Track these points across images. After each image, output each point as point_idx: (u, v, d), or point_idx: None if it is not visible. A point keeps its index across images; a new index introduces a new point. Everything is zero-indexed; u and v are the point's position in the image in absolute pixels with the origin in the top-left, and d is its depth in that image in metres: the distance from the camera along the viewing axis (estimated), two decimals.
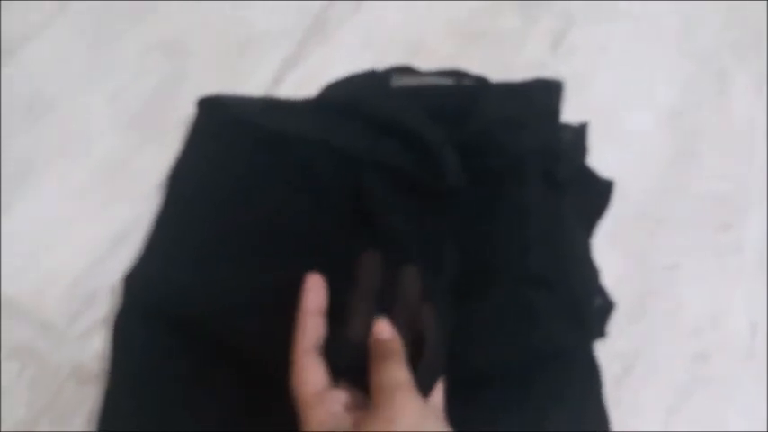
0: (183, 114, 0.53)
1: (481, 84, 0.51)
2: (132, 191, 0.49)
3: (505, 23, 0.56)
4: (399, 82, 0.52)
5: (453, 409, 0.35)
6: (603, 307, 0.42)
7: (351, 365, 0.34)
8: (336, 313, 0.37)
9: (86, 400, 0.42)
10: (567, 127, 0.49)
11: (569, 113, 0.50)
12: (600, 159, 0.49)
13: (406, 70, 0.52)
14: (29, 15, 0.60)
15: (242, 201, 0.47)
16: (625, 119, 0.52)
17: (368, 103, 0.50)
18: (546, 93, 0.49)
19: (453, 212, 0.44)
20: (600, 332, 0.42)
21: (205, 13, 0.59)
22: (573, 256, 0.44)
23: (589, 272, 0.44)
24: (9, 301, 0.46)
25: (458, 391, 0.36)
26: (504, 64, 0.54)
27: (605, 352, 0.41)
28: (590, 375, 0.41)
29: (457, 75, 0.51)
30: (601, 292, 0.43)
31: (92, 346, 0.44)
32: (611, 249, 0.45)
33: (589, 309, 0.42)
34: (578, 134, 0.48)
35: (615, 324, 0.42)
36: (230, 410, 0.40)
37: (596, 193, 0.46)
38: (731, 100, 0.53)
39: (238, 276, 0.43)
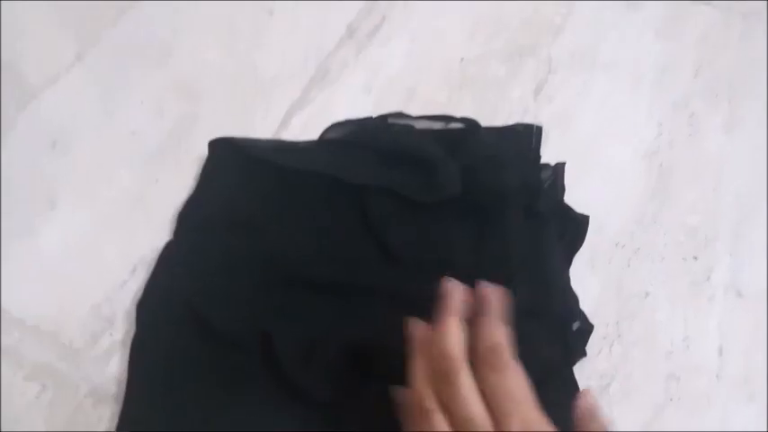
0: (196, 153, 0.57)
1: (468, 125, 0.56)
2: (149, 222, 0.53)
3: (493, 72, 0.61)
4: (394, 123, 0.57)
5: None
6: (583, 329, 0.46)
7: None
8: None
9: (103, 419, 0.45)
10: (546, 166, 0.53)
11: (551, 152, 0.55)
12: (579, 194, 0.53)
13: (400, 115, 0.57)
14: (50, 60, 0.65)
15: (252, 231, 0.51)
16: (603, 157, 0.56)
17: (367, 137, 0.55)
18: (527, 135, 0.55)
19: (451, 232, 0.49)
20: (581, 353, 0.46)
21: (218, 59, 0.65)
22: (555, 285, 0.48)
23: (569, 298, 0.48)
24: (31, 324, 0.49)
25: None
26: (491, 108, 0.59)
27: (584, 371, 0.45)
28: (573, 392, 0.44)
29: (446, 119, 0.57)
30: (580, 315, 0.47)
31: (110, 368, 0.47)
32: (590, 276, 0.49)
33: (572, 333, 0.46)
34: (556, 173, 0.53)
35: (593, 345, 0.46)
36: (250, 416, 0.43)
37: (573, 228, 0.50)
38: (702, 140, 0.57)
39: (250, 301, 0.47)
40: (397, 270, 0.48)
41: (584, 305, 0.48)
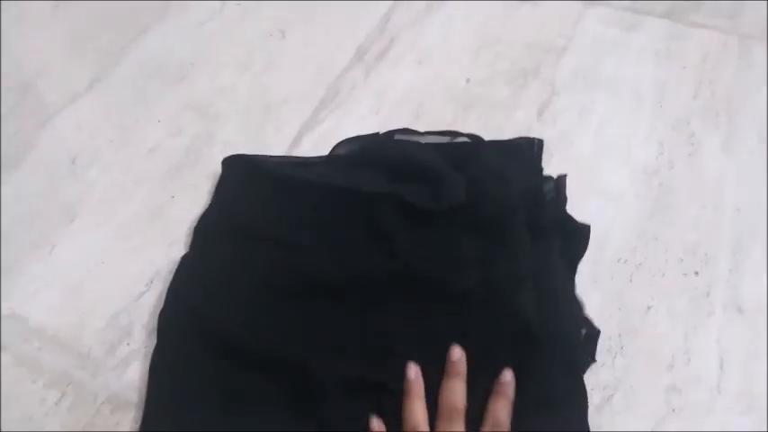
0: (211, 170, 0.59)
1: (474, 140, 0.58)
2: (165, 237, 0.55)
3: (497, 93, 0.63)
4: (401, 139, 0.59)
5: None
6: (590, 335, 0.48)
7: None
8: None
9: (120, 425, 0.46)
10: (549, 178, 0.56)
11: (554, 171, 0.56)
12: (583, 211, 0.54)
13: (406, 131, 0.59)
14: (69, 80, 0.68)
15: (264, 242, 0.52)
16: (605, 175, 0.58)
17: (374, 152, 0.58)
18: (529, 149, 0.57)
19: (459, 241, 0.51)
20: (591, 360, 0.47)
21: (232, 80, 0.67)
22: (562, 296, 0.49)
23: (575, 307, 0.49)
24: (51, 333, 0.51)
25: None
26: (496, 128, 0.61)
27: (587, 383, 0.46)
28: (581, 401, 0.45)
29: (452, 134, 0.59)
30: (586, 322, 0.49)
31: (126, 376, 0.48)
32: (593, 291, 0.50)
33: (579, 345, 0.47)
34: (558, 184, 0.55)
35: (597, 357, 0.47)
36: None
37: (576, 237, 0.52)
38: (701, 159, 0.59)
39: (265, 306, 0.49)
40: (405, 277, 0.49)
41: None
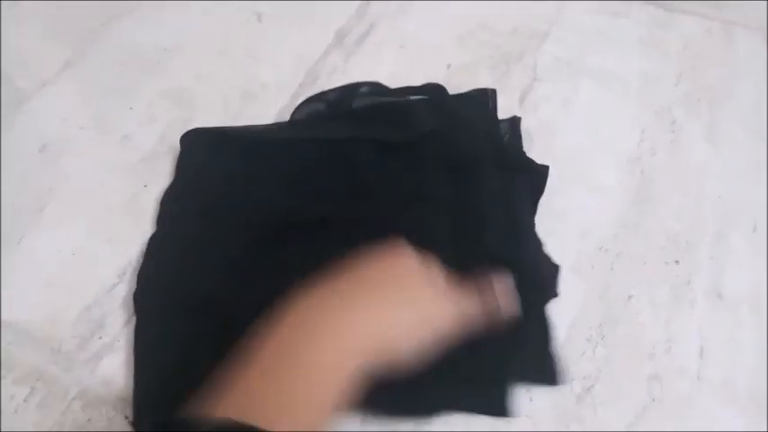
0: None
1: (433, 89, 0.59)
2: (137, 227, 0.54)
3: (479, 79, 0.62)
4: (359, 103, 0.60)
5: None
6: (551, 271, 0.49)
7: None
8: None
9: (92, 422, 0.45)
10: (503, 121, 0.58)
11: (536, 158, 0.55)
12: (564, 200, 0.54)
13: (362, 85, 0.60)
14: (40, 66, 0.66)
15: (233, 195, 0.53)
16: (587, 163, 0.57)
17: (334, 108, 0.59)
18: (484, 97, 0.59)
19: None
20: (553, 293, 0.48)
21: (209, 67, 0.65)
22: (524, 234, 0.51)
23: (536, 244, 0.51)
24: (21, 328, 0.49)
25: None
26: None
27: (568, 372, 0.46)
28: (546, 330, 0.46)
29: (408, 91, 0.60)
30: (547, 259, 0.50)
31: (99, 370, 0.47)
32: (575, 280, 0.50)
33: (538, 275, 0.49)
34: (513, 125, 0.57)
35: (577, 348, 0.47)
36: None
37: (535, 177, 0.54)
38: (683, 147, 0.59)
39: (239, 268, 0.49)
40: (377, 208, 0.50)
41: (568, 308, 0.49)
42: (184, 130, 0.59)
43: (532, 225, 0.52)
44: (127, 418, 0.45)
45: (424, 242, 0.47)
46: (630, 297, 0.50)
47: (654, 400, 0.45)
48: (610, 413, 0.45)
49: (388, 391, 0.41)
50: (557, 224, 0.53)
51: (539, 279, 0.48)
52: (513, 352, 0.45)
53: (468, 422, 0.44)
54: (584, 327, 0.48)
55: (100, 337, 0.49)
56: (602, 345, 0.48)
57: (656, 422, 0.44)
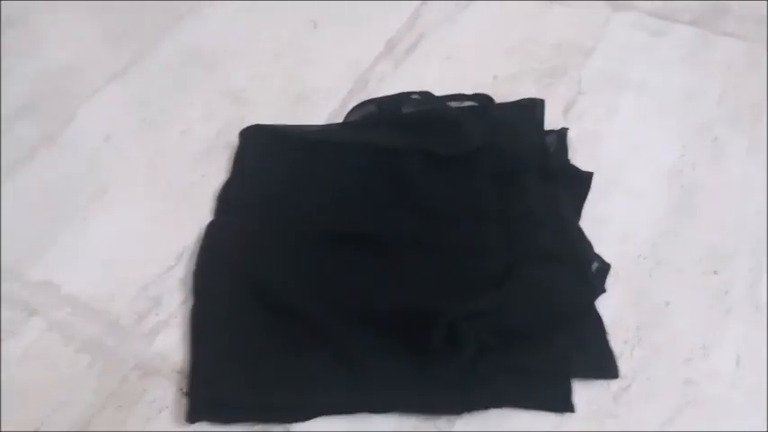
0: None
1: (482, 100, 0.62)
2: (194, 213, 0.57)
3: (524, 89, 0.64)
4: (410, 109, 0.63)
5: (494, 355, 0.45)
6: (601, 269, 0.51)
7: None
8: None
9: (148, 391, 0.48)
10: (551, 132, 0.60)
11: (579, 166, 0.57)
12: (605, 208, 0.56)
13: (414, 93, 0.63)
14: (108, 61, 0.70)
15: (293, 202, 0.56)
16: (630, 174, 0.58)
17: (387, 112, 0.62)
18: (531, 107, 0.62)
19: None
20: (602, 289, 0.51)
21: (265, 69, 0.69)
22: (572, 233, 0.53)
23: (585, 243, 0.53)
24: (84, 302, 0.53)
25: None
26: None
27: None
28: (601, 325, 0.48)
29: (460, 97, 0.63)
30: (597, 257, 0.52)
31: (155, 345, 0.50)
32: (614, 284, 0.51)
33: (590, 272, 0.51)
34: (560, 137, 0.59)
35: (614, 349, 0.48)
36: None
37: (579, 183, 0.56)
38: (724, 162, 0.60)
39: (297, 259, 0.52)
40: (430, 220, 0.53)
41: (607, 312, 0.50)
42: (241, 128, 0.63)
43: (579, 228, 0.54)
44: (181, 389, 0.47)
45: (480, 254, 0.51)
46: (668, 303, 0.51)
47: (689, 402, 0.46)
48: (645, 412, 0.46)
49: (453, 385, 0.45)
50: (598, 230, 0.54)
51: (590, 276, 0.50)
52: (573, 347, 0.47)
53: (507, 416, 0.46)
54: (622, 329, 0.49)
55: (157, 314, 0.51)
56: (639, 347, 0.49)
57: (689, 424, 0.45)
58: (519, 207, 0.53)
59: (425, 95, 0.62)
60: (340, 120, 0.63)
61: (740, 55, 0.68)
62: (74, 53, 0.71)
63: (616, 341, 0.49)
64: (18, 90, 0.67)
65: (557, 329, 0.47)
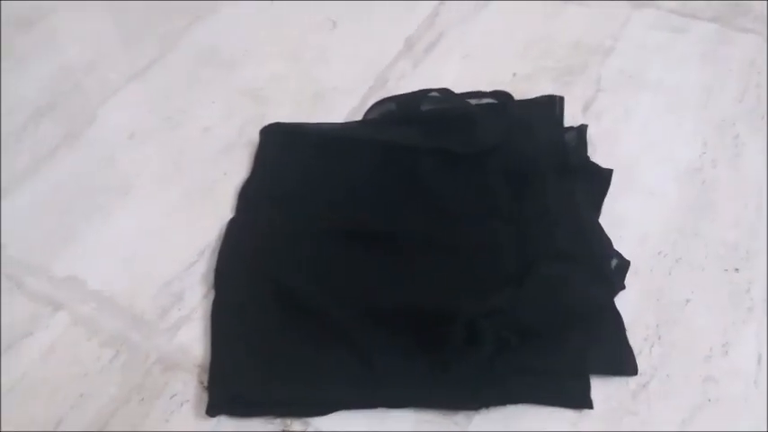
0: None
1: (501, 97, 0.62)
2: (217, 211, 0.58)
3: (542, 88, 0.64)
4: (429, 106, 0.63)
5: (511, 353, 0.46)
6: (621, 265, 0.51)
7: None
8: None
9: (170, 385, 0.48)
10: (571, 129, 0.60)
11: (598, 164, 0.57)
12: (625, 205, 0.55)
13: (432, 90, 0.63)
14: (130, 60, 0.71)
15: (312, 200, 0.56)
16: (648, 171, 0.58)
17: (406, 109, 0.63)
18: (551, 104, 0.62)
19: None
20: (621, 286, 0.50)
21: (285, 68, 0.70)
22: (590, 230, 0.53)
23: (604, 240, 0.53)
24: (105, 296, 0.54)
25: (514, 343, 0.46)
26: None
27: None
28: (617, 322, 0.48)
29: (478, 94, 0.63)
30: (616, 254, 0.52)
31: (177, 339, 0.51)
32: (634, 282, 0.51)
33: (609, 269, 0.51)
34: (580, 133, 0.59)
35: (633, 346, 0.48)
36: None
37: (599, 180, 0.56)
38: (745, 160, 0.59)
39: (316, 255, 0.53)
40: (444, 219, 0.53)
41: (626, 309, 0.50)
42: (261, 126, 0.63)
43: (598, 224, 0.53)
44: (202, 383, 0.48)
45: (493, 252, 0.51)
46: (688, 301, 0.51)
47: (709, 400, 0.46)
48: (664, 410, 0.46)
49: (471, 382, 0.45)
50: (617, 228, 0.54)
51: (609, 273, 0.50)
52: (591, 344, 0.47)
53: (524, 412, 0.46)
54: (641, 326, 0.49)
55: (179, 309, 0.52)
56: (659, 344, 0.48)
57: (709, 422, 0.45)
58: (534, 206, 0.53)
59: (444, 93, 0.62)
60: (359, 117, 0.64)
61: (761, 51, 0.68)
62: (94, 52, 0.73)
63: (635, 338, 0.48)
64: (40, 89, 0.69)
65: (571, 329, 0.47)
